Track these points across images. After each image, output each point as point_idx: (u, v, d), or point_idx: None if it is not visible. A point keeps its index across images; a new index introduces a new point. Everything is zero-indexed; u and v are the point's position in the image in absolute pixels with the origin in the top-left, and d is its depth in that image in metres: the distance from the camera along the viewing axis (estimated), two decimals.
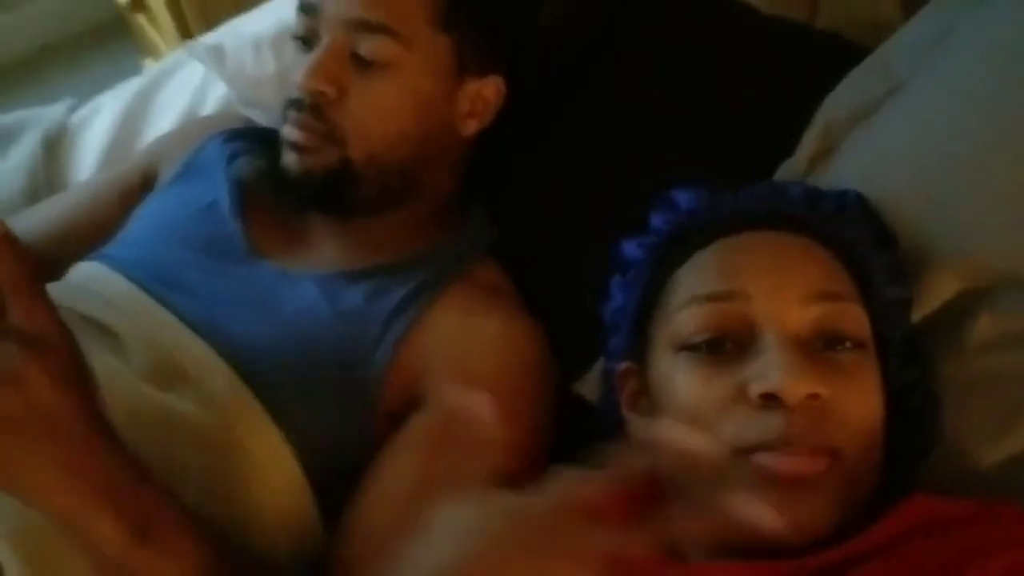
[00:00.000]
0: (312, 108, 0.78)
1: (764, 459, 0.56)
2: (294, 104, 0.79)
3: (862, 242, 0.65)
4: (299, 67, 0.79)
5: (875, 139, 0.76)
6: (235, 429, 0.70)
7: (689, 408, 0.59)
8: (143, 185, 0.94)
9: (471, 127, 0.84)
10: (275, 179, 0.82)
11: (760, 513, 0.56)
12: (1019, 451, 0.63)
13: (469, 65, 0.81)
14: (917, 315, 0.68)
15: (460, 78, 0.81)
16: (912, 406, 0.65)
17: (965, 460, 0.65)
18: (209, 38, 1.09)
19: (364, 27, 0.77)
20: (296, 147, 0.79)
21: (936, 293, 0.67)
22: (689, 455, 0.56)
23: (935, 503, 0.59)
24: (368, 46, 0.77)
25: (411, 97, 0.79)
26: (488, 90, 0.83)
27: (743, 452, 0.57)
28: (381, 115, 0.78)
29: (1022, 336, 0.65)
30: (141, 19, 1.80)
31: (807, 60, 0.87)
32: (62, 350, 0.57)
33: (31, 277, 0.56)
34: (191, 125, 1.03)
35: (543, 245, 0.87)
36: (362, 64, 0.78)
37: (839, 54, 0.85)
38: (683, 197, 0.70)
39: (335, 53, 0.77)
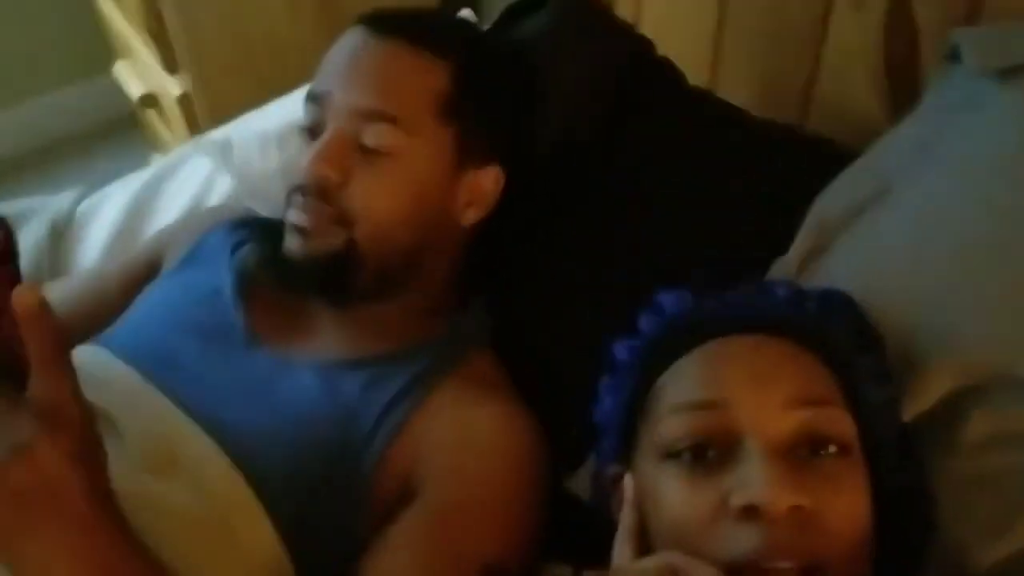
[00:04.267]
0: (318, 192, 0.80)
1: None
2: (299, 189, 0.81)
3: (847, 344, 0.65)
4: (305, 154, 0.81)
5: (866, 239, 0.77)
6: (226, 518, 0.69)
7: (675, 521, 0.58)
8: (147, 273, 0.95)
9: (470, 216, 0.85)
10: (277, 265, 0.83)
11: None
12: (1018, 550, 0.63)
13: (469, 156, 0.83)
14: (911, 413, 0.68)
15: (460, 168, 0.83)
16: (908, 506, 0.65)
17: (964, 559, 0.64)
18: (217, 133, 1.12)
19: (370, 115, 0.79)
20: (301, 231, 0.80)
21: (929, 391, 0.67)
22: None
23: None
24: (373, 133, 0.79)
25: (412, 184, 0.81)
26: (486, 180, 0.85)
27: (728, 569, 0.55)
28: (384, 199, 0.80)
29: (1016, 435, 0.65)
30: (152, 115, 1.85)
31: (798, 161, 0.90)
32: (77, 428, 0.57)
33: (60, 350, 0.57)
34: (197, 215, 1.05)
35: (540, 337, 0.88)
36: (366, 151, 0.80)
37: (829, 156, 0.87)
38: (668, 300, 0.70)
39: (341, 139, 0.79)
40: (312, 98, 0.83)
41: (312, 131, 0.83)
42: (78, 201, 1.17)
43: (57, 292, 0.96)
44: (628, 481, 0.63)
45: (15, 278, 0.56)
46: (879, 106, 0.94)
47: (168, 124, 1.79)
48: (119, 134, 2.27)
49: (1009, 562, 0.63)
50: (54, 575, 0.56)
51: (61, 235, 1.12)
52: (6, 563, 0.56)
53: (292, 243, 0.81)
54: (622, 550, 0.60)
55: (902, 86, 0.94)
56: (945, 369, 0.67)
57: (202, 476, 0.70)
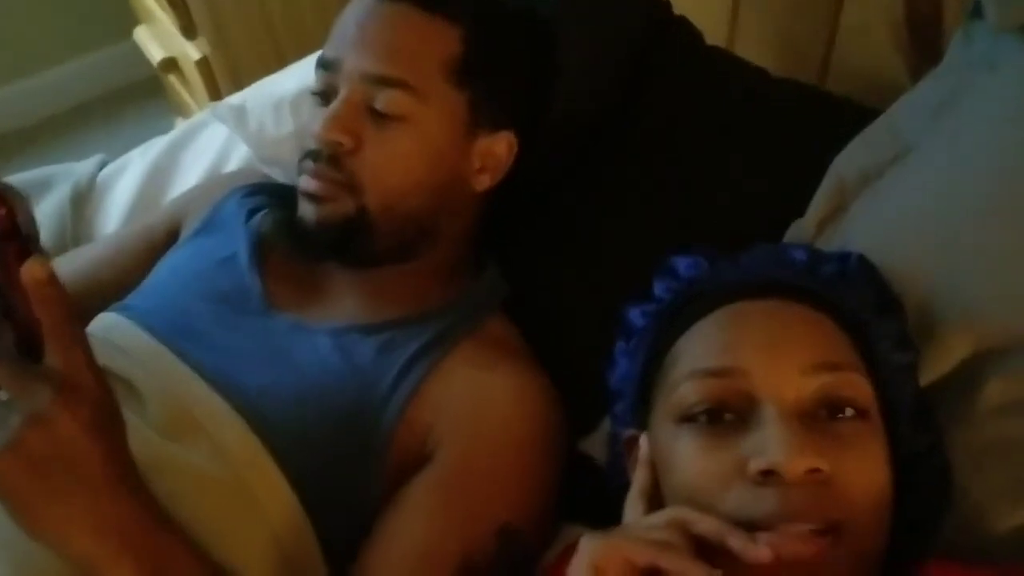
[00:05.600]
0: (329, 158, 0.79)
1: (765, 540, 0.53)
2: (311, 155, 0.81)
3: (864, 308, 0.65)
4: (317, 119, 0.80)
5: (885, 201, 0.76)
6: (244, 480, 0.70)
7: (690, 482, 0.58)
8: (167, 238, 0.96)
9: (483, 182, 0.85)
10: (292, 231, 0.83)
11: None
12: None
13: (482, 121, 0.83)
14: (928, 378, 0.67)
15: (473, 133, 0.83)
16: (925, 471, 0.64)
17: (981, 526, 0.64)
18: (233, 99, 1.12)
19: (381, 81, 0.78)
20: (313, 197, 0.80)
21: (947, 356, 0.67)
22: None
23: (950, 570, 0.58)
24: (384, 99, 0.78)
25: (425, 149, 0.80)
26: (499, 146, 0.84)
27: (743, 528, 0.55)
28: (396, 165, 0.80)
29: None
30: (173, 80, 1.85)
31: (818, 122, 0.88)
32: (94, 396, 0.58)
33: (72, 321, 0.58)
34: (214, 181, 1.06)
35: (555, 302, 0.88)
36: (378, 117, 0.79)
37: (848, 116, 0.86)
38: (683, 264, 0.70)
39: (352, 105, 0.79)
40: (323, 64, 0.82)
41: (324, 97, 0.82)
42: (99, 168, 1.17)
43: (77, 259, 0.97)
44: (644, 440, 0.63)
45: (25, 252, 0.56)
46: (902, 66, 0.92)
47: (189, 88, 1.80)
48: (143, 99, 2.29)
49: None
50: (73, 542, 0.57)
51: (83, 201, 1.13)
52: (26, 531, 0.57)
53: (305, 210, 0.81)
54: (634, 508, 0.60)
55: (926, 45, 0.92)
56: (963, 334, 0.66)
57: (220, 439, 0.71)
